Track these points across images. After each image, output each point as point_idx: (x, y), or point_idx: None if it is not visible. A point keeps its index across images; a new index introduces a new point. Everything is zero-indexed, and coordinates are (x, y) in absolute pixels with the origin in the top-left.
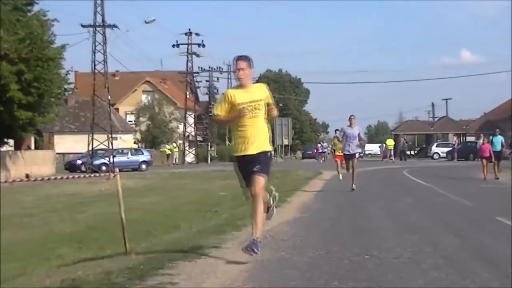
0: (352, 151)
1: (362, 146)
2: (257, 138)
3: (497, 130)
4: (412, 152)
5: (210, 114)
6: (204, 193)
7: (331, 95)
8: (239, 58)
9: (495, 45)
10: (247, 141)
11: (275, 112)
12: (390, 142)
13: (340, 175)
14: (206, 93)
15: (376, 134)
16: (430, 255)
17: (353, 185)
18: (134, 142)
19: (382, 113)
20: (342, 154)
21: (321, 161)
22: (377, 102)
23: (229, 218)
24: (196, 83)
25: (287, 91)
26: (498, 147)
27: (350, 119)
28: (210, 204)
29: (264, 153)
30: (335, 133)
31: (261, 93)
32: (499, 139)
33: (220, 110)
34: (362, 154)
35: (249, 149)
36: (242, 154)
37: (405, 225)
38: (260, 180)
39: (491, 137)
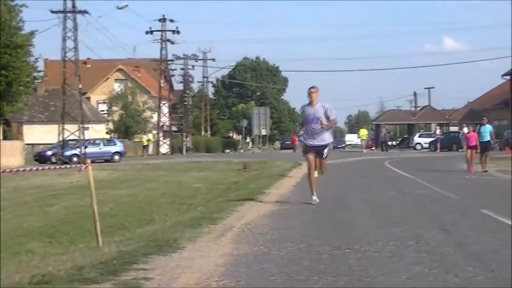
0: (316, 141)
1: (326, 129)
2: None
3: (485, 118)
4: (394, 143)
5: (185, 103)
6: (179, 185)
7: (310, 83)
8: None
9: (479, 31)
10: None
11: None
12: (363, 132)
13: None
14: (181, 82)
15: (356, 124)
16: (413, 248)
17: (314, 196)
18: (107, 132)
19: (363, 103)
20: None
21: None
22: (358, 91)
23: (205, 211)
24: (170, 71)
25: (264, 80)
26: (487, 137)
27: (309, 94)
28: (185, 197)
29: None
30: None
31: None
32: (487, 129)
33: None
34: (343, 145)
35: None
36: None
37: (387, 218)
38: None
39: (478, 126)
